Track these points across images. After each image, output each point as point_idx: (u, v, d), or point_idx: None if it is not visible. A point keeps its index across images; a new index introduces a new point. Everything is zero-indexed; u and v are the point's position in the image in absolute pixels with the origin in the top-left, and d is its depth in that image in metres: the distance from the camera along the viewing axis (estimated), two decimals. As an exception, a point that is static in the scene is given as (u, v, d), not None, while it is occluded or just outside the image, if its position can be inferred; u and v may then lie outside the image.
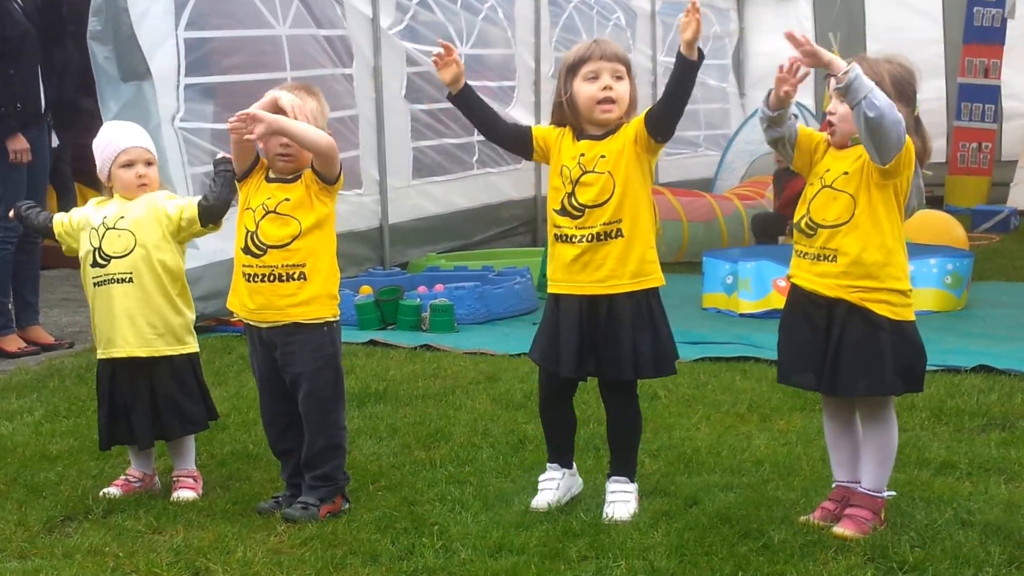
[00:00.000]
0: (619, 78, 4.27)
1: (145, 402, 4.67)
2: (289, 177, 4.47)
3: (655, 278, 4.35)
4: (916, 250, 8.39)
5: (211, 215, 4.64)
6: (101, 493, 4.67)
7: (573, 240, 4.32)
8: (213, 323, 7.69)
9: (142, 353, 4.65)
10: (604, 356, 4.32)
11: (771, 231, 10.30)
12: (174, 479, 4.76)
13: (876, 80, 3.93)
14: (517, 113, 11.23)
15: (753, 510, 4.29)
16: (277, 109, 4.39)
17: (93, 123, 6.29)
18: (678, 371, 6.32)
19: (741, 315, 8.05)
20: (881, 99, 3.81)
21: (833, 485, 4.27)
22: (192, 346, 4.77)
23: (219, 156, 4.66)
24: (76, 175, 8.79)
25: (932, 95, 14.53)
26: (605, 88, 4.24)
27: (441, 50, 4.41)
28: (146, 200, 4.69)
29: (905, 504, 4.31)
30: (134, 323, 4.63)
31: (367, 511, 4.45)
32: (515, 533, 4.15)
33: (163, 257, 4.65)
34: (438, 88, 10.31)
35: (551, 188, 4.40)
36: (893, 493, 4.25)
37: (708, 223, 10.79)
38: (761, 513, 4.26)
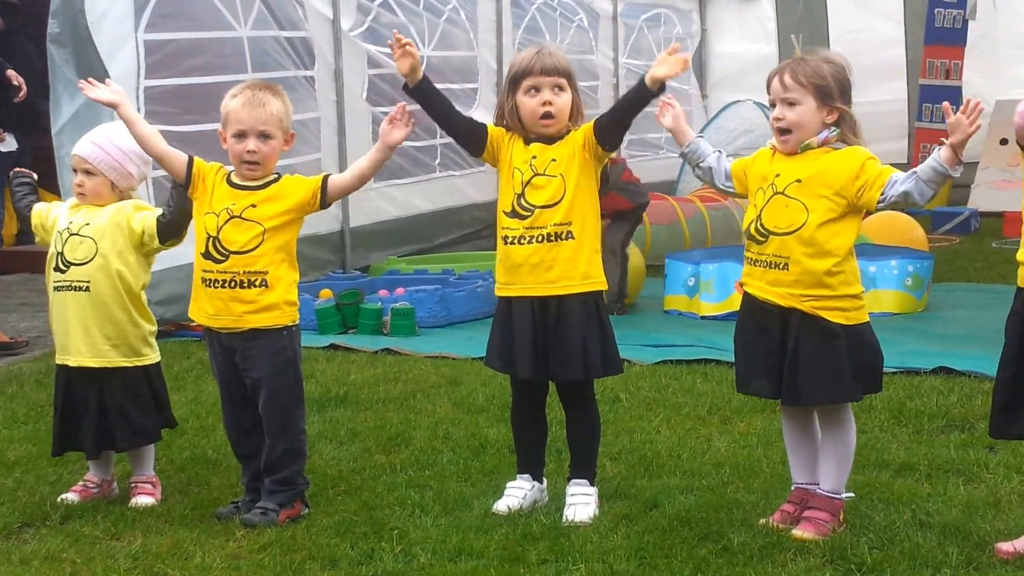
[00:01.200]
0: (560, 90, 4.30)
1: (94, 412, 4.61)
2: (256, 184, 4.42)
3: (601, 281, 4.39)
4: (877, 252, 8.46)
5: (169, 231, 4.59)
6: (59, 499, 4.62)
7: (522, 241, 4.32)
8: (172, 328, 7.63)
9: (93, 363, 4.60)
10: (554, 356, 4.33)
11: None
12: (132, 485, 4.72)
13: (820, 80, 3.99)
14: (480, 115, 11.09)
15: (713, 512, 4.30)
16: None
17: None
18: (640, 374, 6.43)
19: (703, 317, 8.06)
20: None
21: (792, 487, 4.29)
22: (149, 358, 4.71)
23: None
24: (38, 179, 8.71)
25: (894, 96, 14.66)
26: (545, 104, 4.29)
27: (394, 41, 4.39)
28: (114, 209, 4.62)
29: (864, 506, 4.32)
30: (88, 332, 4.58)
31: (326, 516, 4.43)
32: (475, 537, 4.14)
33: (122, 268, 4.59)
34: (400, 90, 10.27)
35: (501, 191, 4.41)
36: (852, 495, 4.27)
37: (670, 225, 10.79)
38: (721, 515, 4.27)
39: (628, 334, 7.47)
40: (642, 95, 4.27)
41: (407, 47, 4.39)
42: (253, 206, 4.38)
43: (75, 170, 4.64)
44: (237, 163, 4.43)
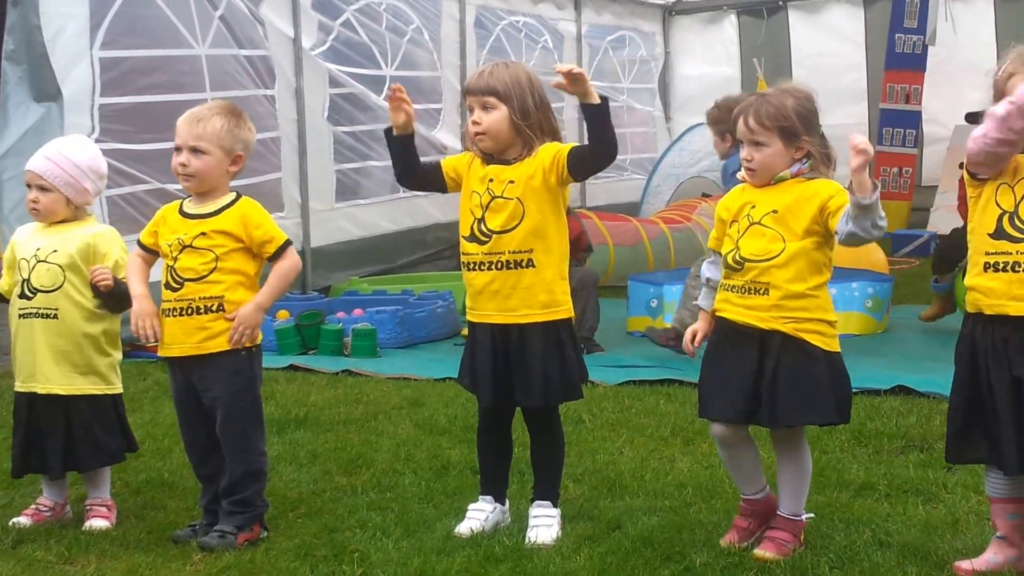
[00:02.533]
0: (488, 108, 4.21)
1: (59, 432, 4.55)
2: (208, 212, 4.37)
3: (564, 309, 4.30)
4: (838, 274, 8.34)
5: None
6: (10, 523, 4.55)
7: (482, 267, 4.27)
8: (128, 348, 7.53)
9: (61, 391, 4.53)
10: (515, 382, 4.29)
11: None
12: (87, 507, 4.64)
13: (784, 122, 3.99)
14: (443, 136, 11.22)
15: (676, 533, 4.28)
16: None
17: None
18: (603, 395, 6.42)
19: (666, 338, 8.06)
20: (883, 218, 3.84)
21: (741, 500, 4.26)
22: (116, 387, 4.66)
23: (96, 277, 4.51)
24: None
25: (854, 120, 14.75)
26: (474, 123, 4.25)
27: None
28: (83, 235, 4.55)
29: (825, 526, 4.32)
30: (56, 360, 4.52)
31: (286, 539, 4.37)
32: (436, 559, 4.10)
33: (89, 297, 4.53)
34: (362, 110, 10.28)
35: (461, 214, 4.35)
36: (811, 515, 4.26)
37: (634, 247, 10.82)
38: (683, 536, 4.25)
39: (591, 355, 7.49)
40: (590, 113, 4.11)
41: (404, 103, 4.31)
42: (203, 234, 4.33)
43: (29, 186, 4.57)
44: (175, 174, 4.42)
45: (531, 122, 4.23)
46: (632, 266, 10.25)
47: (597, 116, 4.09)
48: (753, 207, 4.09)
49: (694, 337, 4.24)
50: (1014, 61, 3.75)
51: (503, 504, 4.52)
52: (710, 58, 15.47)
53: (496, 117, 4.21)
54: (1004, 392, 3.71)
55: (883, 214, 3.83)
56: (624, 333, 8.46)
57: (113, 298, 4.51)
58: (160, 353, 4.49)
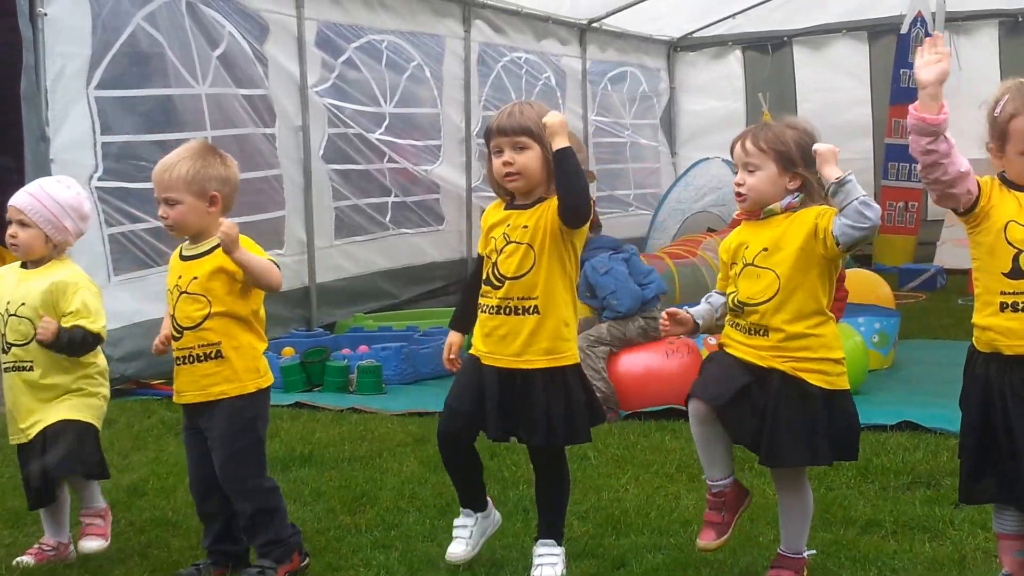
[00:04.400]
0: (522, 148, 4.23)
1: (37, 454, 4.52)
2: (199, 252, 4.36)
3: (569, 356, 4.28)
4: (844, 309, 8.46)
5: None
6: (15, 562, 4.53)
7: (493, 311, 4.29)
8: (133, 386, 7.56)
9: (39, 427, 4.51)
10: (518, 420, 4.28)
11: None
12: (81, 522, 4.61)
13: (781, 147, 3.98)
14: (444, 171, 11.25)
15: (680, 571, 4.25)
16: None
17: (10, 179, 6.19)
18: (608, 431, 6.39)
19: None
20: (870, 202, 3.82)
21: (708, 494, 4.18)
22: (91, 421, 4.60)
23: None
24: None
25: (860, 155, 14.78)
26: (505, 164, 4.24)
27: None
28: (47, 283, 4.52)
29: (831, 564, 4.29)
30: (35, 408, 4.52)
31: (289, 578, 4.35)
32: (440, 599, 4.08)
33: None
34: (355, 150, 10.32)
35: (485, 258, 4.38)
36: (813, 552, 4.23)
37: (639, 282, 10.78)
38: (688, 574, 4.22)
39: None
40: (553, 161, 4.16)
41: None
42: (195, 278, 4.32)
43: (9, 221, 4.56)
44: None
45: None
46: (638, 301, 10.20)
47: (556, 162, 4.13)
48: (746, 248, 4.07)
49: None
50: (1014, 99, 3.69)
51: (484, 509, 4.50)
52: (715, 93, 15.51)
53: (530, 157, 4.23)
54: None
55: (870, 202, 3.80)
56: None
57: (62, 347, 4.47)
58: (175, 400, 4.49)
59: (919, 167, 3.67)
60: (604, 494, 5.31)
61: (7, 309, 4.53)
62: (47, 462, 4.50)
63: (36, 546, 4.64)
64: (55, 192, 4.62)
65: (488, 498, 4.55)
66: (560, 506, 4.44)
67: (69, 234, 4.62)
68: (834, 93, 14.72)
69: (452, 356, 4.53)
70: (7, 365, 4.56)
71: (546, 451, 4.38)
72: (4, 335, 4.53)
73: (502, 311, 4.27)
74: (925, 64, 3.61)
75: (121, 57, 8.03)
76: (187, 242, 4.43)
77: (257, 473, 4.39)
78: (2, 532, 4.92)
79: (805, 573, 4.11)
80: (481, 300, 4.36)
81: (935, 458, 5.66)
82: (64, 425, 4.52)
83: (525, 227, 4.25)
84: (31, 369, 4.51)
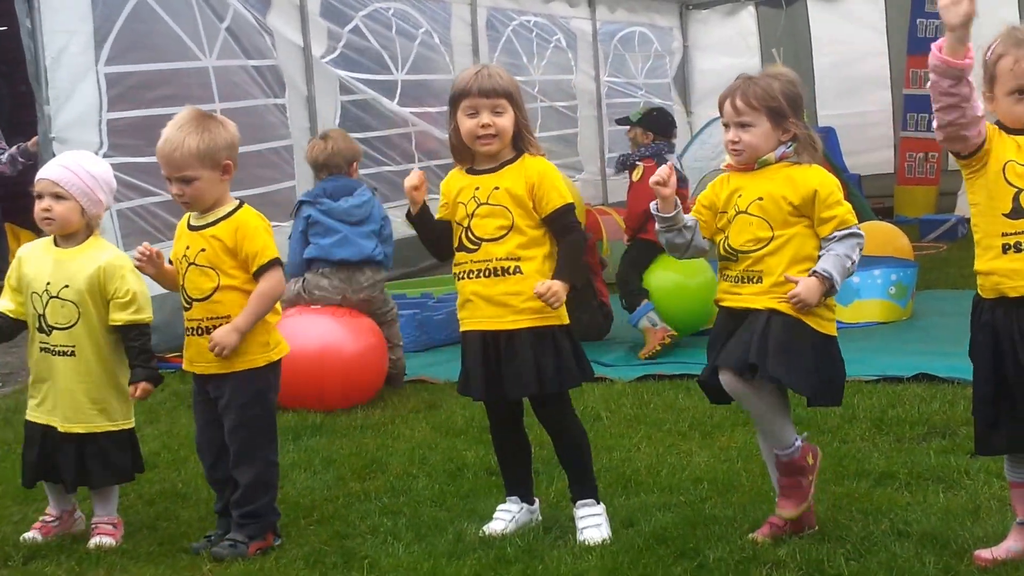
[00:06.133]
0: (499, 112, 4.19)
1: (72, 456, 4.48)
2: (208, 222, 4.33)
3: (557, 315, 4.23)
4: (860, 261, 8.36)
5: None
6: (22, 538, 4.52)
7: (471, 276, 4.24)
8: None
9: (80, 429, 4.48)
10: (507, 376, 4.23)
11: None
12: (93, 526, 4.57)
13: (772, 102, 3.97)
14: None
15: (690, 529, 4.21)
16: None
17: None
18: (621, 391, 6.34)
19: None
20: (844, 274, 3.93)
21: (777, 499, 4.19)
22: (131, 422, 4.60)
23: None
24: (7, 215, 8.69)
25: (878, 106, 14.66)
26: (484, 126, 4.18)
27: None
28: (91, 266, 4.44)
29: (842, 517, 4.24)
30: (75, 398, 4.45)
31: (297, 546, 4.34)
32: (447, 563, 4.06)
33: (106, 332, 4.47)
34: (374, 116, 10.25)
35: (453, 226, 4.31)
36: (806, 434, 4.16)
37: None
38: (698, 532, 4.18)
39: (608, 353, 7.42)
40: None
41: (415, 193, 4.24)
42: (203, 250, 4.30)
43: (40, 196, 4.46)
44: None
45: (527, 124, 4.30)
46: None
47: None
48: (740, 195, 4.06)
49: None
50: (1004, 41, 3.64)
51: (531, 504, 4.46)
52: (729, 50, 15.35)
53: (507, 120, 4.20)
54: None
55: (850, 257, 3.96)
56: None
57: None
58: (184, 368, 4.48)
59: (936, 107, 3.60)
60: (615, 454, 5.28)
61: (47, 290, 4.45)
62: (85, 472, 4.49)
63: (40, 520, 4.62)
64: (88, 165, 4.55)
65: (536, 497, 4.50)
66: (582, 462, 4.38)
67: (101, 207, 4.56)
68: (850, 45, 14.59)
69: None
70: (46, 346, 4.47)
71: (551, 411, 4.33)
72: (44, 315, 4.45)
73: (481, 274, 4.22)
74: (949, 4, 3.50)
75: (125, 32, 7.99)
76: (195, 212, 4.39)
77: (265, 444, 4.40)
78: (12, 508, 4.91)
79: (811, 460, 4.08)
80: (455, 268, 4.31)
81: (952, 408, 5.59)
82: (104, 438, 4.50)
83: (497, 188, 4.21)
84: (73, 354, 4.44)
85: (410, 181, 4.23)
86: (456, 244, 4.29)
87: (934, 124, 3.67)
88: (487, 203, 4.21)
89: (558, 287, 4.12)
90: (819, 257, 3.96)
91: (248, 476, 4.33)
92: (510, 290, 4.19)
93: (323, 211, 6.72)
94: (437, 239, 4.36)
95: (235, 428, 4.33)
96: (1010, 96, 3.65)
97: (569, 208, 4.25)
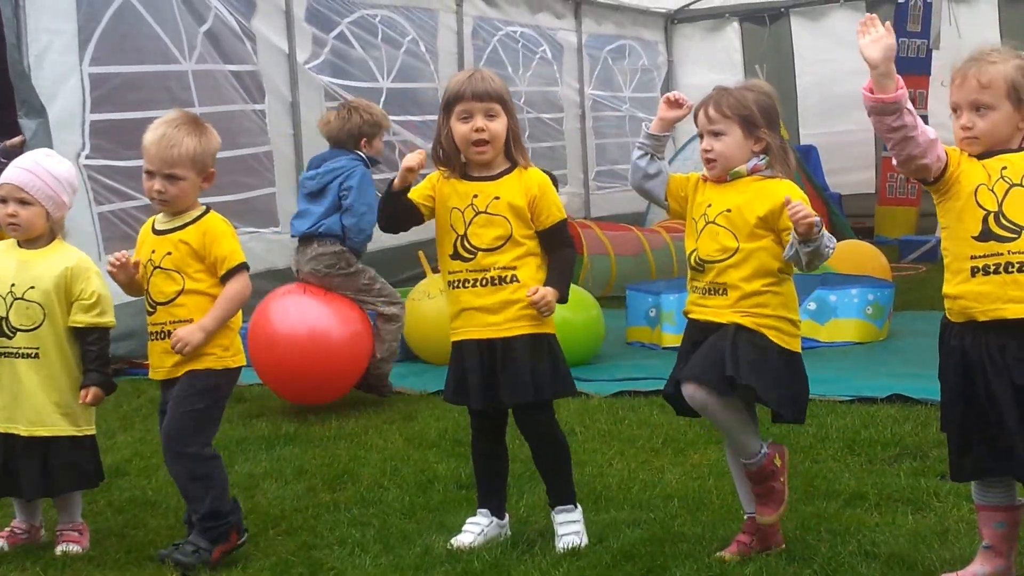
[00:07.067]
0: (493, 116, 4.19)
1: (37, 463, 4.43)
2: (172, 226, 4.32)
3: (550, 324, 4.28)
4: (837, 280, 8.40)
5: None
6: (-12, 546, 4.49)
7: (466, 285, 4.24)
8: (123, 365, 7.52)
9: (44, 432, 4.42)
10: (503, 383, 4.23)
11: None
12: (58, 533, 4.52)
13: (744, 111, 3.99)
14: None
15: (658, 546, 4.20)
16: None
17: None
18: (597, 407, 6.34)
19: (664, 348, 7.96)
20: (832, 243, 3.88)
21: (745, 517, 4.20)
22: (93, 429, 4.55)
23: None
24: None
25: (860, 127, 14.60)
26: (478, 130, 4.18)
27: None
28: (57, 267, 4.41)
29: (811, 537, 4.24)
30: (38, 401, 4.40)
31: (264, 557, 4.32)
32: (413, 575, 4.04)
33: (69, 334, 4.44)
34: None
35: (439, 232, 4.31)
36: (768, 441, 4.14)
37: (636, 257, 10.73)
38: (666, 549, 4.17)
39: (588, 367, 7.41)
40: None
41: (409, 175, 4.20)
42: (168, 254, 4.28)
43: (4, 200, 4.42)
44: (149, 198, 4.36)
45: (518, 132, 4.29)
46: (635, 276, 10.15)
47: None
48: (709, 206, 4.08)
49: None
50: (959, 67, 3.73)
51: (501, 519, 4.45)
52: (714, 66, 15.38)
53: (501, 125, 4.21)
54: (1009, 403, 3.55)
55: (830, 243, 3.86)
56: (623, 344, 8.37)
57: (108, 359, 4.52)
58: (150, 375, 4.46)
59: (889, 146, 3.64)
60: (588, 469, 5.27)
61: (11, 292, 4.40)
62: (49, 480, 4.43)
63: (8, 529, 4.58)
64: (52, 167, 4.49)
65: (507, 513, 4.50)
66: (562, 470, 4.39)
67: (66, 209, 4.52)
68: (833, 64, 14.60)
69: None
70: (7, 350, 4.41)
71: (537, 420, 4.33)
72: (7, 318, 4.40)
73: (478, 283, 4.23)
74: (870, 42, 3.53)
75: (108, 34, 7.97)
76: (160, 216, 4.38)
77: (199, 441, 4.27)
78: (-23, 515, 4.88)
79: (779, 462, 4.07)
80: (449, 277, 4.30)
81: (924, 430, 5.60)
82: (69, 443, 4.45)
83: (497, 198, 4.21)
84: (37, 356, 4.40)
85: (409, 161, 4.18)
86: (451, 252, 4.27)
87: (894, 162, 3.68)
88: (486, 212, 4.21)
89: (551, 295, 4.16)
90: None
91: (182, 473, 4.25)
92: (507, 298, 4.20)
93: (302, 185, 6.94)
94: (397, 215, 4.31)
95: (170, 421, 4.26)
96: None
97: (565, 223, 4.31)
